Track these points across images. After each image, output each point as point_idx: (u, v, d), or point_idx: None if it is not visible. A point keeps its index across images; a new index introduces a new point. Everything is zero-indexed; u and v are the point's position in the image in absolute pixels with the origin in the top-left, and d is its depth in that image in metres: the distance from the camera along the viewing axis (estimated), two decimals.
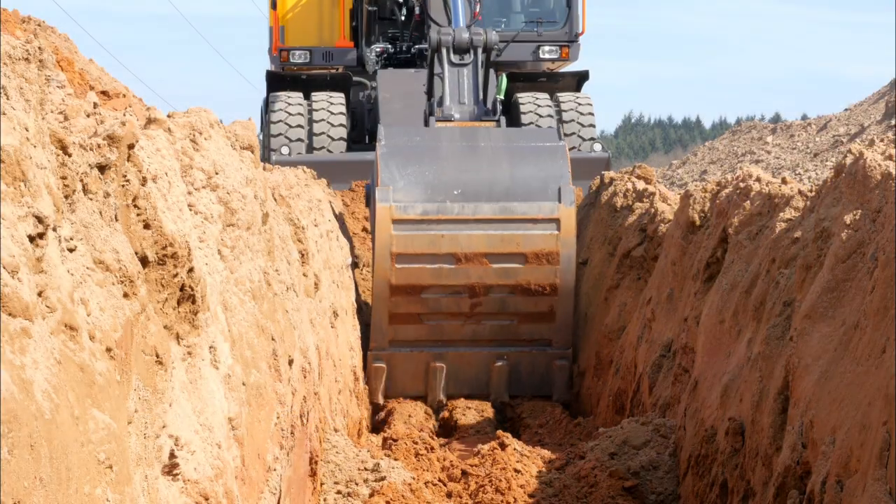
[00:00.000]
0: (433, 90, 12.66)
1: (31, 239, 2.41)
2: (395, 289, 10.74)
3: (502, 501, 6.76)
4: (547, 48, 18.44)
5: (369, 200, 12.34)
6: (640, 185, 11.43)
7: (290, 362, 5.15)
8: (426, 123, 12.04)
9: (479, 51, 12.16)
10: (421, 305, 10.90)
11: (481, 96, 12.06)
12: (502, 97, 12.34)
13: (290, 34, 18.32)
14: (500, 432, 8.05)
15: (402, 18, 18.01)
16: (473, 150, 11.16)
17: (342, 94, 17.56)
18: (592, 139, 17.86)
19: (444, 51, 12.08)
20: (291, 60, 18.07)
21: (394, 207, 10.68)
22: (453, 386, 11.23)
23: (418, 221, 10.76)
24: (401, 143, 11.12)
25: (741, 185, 7.11)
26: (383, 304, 10.82)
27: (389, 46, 18.03)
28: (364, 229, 15.18)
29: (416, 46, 17.74)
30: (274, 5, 18.42)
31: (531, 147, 11.23)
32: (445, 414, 11.00)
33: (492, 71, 12.72)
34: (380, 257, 10.68)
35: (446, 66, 12.19)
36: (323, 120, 17.01)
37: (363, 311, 12.08)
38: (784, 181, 6.63)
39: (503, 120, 11.87)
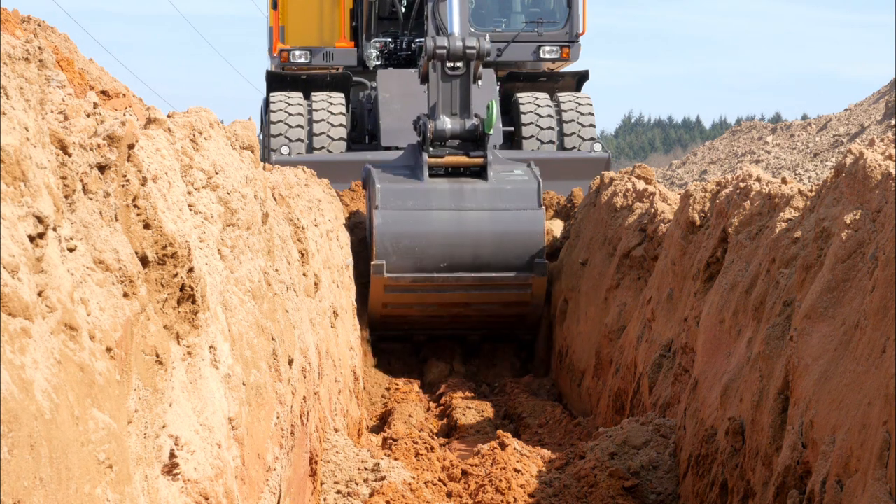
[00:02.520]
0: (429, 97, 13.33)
1: (31, 239, 2.41)
2: (383, 317, 13.25)
3: (502, 501, 6.76)
4: (547, 48, 18.45)
5: (366, 183, 13.61)
6: (640, 184, 11.44)
7: (290, 362, 5.15)
8: (421, 140, 13.12)
9: (473, 61, 12.76)
10: (407, 324, 13.49)
11: (472, 106, 13.08)
12: (491, 133, 13.12)
13: (291, 34, 18.32)
14: (500, 432, 8.05)
15: (403, 11, 18.03)
16: (460, 221, 12.84)
17: (342, 94, 17.56)
18: (592, 139, 17.86)
19: (437, 61, 12.69)
20: (291, 60, 18.07)
21: (387, 278, 12.64)
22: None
23: (407, 287, 12.83)
24: (395, 217, 12.74)
25: (741, 184, 7.11)
26: (374, 316, 13.25)
27: (390, 42, 18.05)
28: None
29: (417, 40, 17.79)
30: (275, 5, 18.41)
31: (513, 215, 12.90)
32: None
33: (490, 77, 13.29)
34: (372, 305, 13.02)
35: (440, 76, 12.99)
36: (323, 120, 17.01)
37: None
38: (784, 181, 6.63)
39: (489, 156, 13.09)
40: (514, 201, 12.98)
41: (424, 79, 13.32)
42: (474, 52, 12.77)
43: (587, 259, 11.99)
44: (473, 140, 13.10)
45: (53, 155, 2.72)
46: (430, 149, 13.00)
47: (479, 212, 12.86)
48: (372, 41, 18.06)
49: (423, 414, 10.91)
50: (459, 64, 12.88)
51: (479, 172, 13.05)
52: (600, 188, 12.63)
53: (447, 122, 13.00)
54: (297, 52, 18.04)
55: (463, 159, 13.06)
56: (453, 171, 13.12)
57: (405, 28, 18.14)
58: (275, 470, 4.45)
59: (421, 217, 12.75)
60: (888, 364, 3.62)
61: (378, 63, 18.05)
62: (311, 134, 16.84)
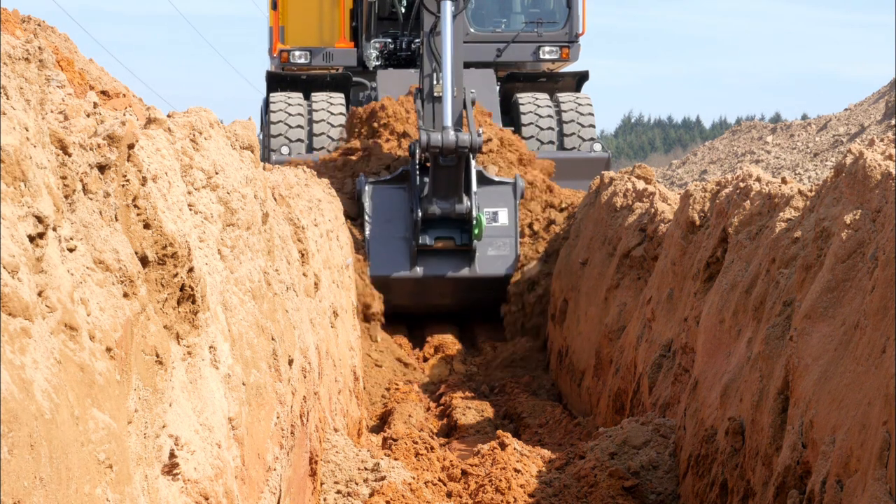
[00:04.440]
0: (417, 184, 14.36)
1: (31, 239, 2.41)
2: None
3: (502, 501, 6.76)
4: (547, 49, 18.46)
5: (359, 196, 14.84)
6: (640, 184, 11.44)
7: (290, 362, 5.15)
8: (414, 227, 14.25)
9: (465, 154, 13.63)
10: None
11: (464, 193, 14.16)
12: (479, 240, 14.35)
13: (290, 34, 18.31)
14: (500, 432, 8.05)
15: (402, 11, 18.06)
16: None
17: (342, 95, 17.56)
18: (592, 139, 17.86)
19: (431, 153, 13.71)
20: (291, 61, 18.07)
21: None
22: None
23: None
24: (384, 282, 14.30)
25: (741, 184, 7.11)
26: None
27: (390, 42, 18.07)
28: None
29: (416, 41, 17.82)
30: (274, 5, 18.40)
31: (490, 256, 14.53)
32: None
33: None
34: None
35: (433, 167, 13.97)
36: (323, 120, 17.02)
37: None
38: (784, 181, 6.63)
39: (477, 255, 14.40)
40: (492, 284, 14.59)
41: (423, 166, 14.28)
42: (466, 149, 13.56)
43: (587, 259, 11.99)
44: (462, 222, 14.11)
45: (53, 155, 2.72)
46: (420, 238, 14.17)
47: (460, 294, 14.83)
48: (372, 41, 18.06)
49: (423, 414, 10.91)
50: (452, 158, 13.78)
51: (467, 252, 14.36)
52: (600, 188, 12.63)
53: (437, 207, 14.04)
54: (297, 53, 18.04)
55: (451, 245, 14.29)
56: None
57: (405, 28, 18.14)
58: (275, 470, 4.45)
59: (410, 292, 14.62)
60: (888, 364, 3.62)
61: (378, 63, 18.08)
62: (311, 134, 16.84)
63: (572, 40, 18.56)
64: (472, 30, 18.18)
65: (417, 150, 14.04)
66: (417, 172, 14.18)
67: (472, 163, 13.99)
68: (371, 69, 17.98)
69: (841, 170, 4.98)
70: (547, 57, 18.50)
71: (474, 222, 13.98)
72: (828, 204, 5.02)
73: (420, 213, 13.95)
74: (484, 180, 14.48)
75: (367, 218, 14.44)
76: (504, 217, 14.57)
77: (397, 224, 14.46)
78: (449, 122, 13.78)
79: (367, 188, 14.60)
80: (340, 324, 9.30)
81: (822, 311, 4.59)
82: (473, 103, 14.43)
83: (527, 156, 15.74)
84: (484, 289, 14.62)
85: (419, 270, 14.31)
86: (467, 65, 18.46)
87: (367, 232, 14.42)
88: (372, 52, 18.03)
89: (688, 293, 7.74)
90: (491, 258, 14.42)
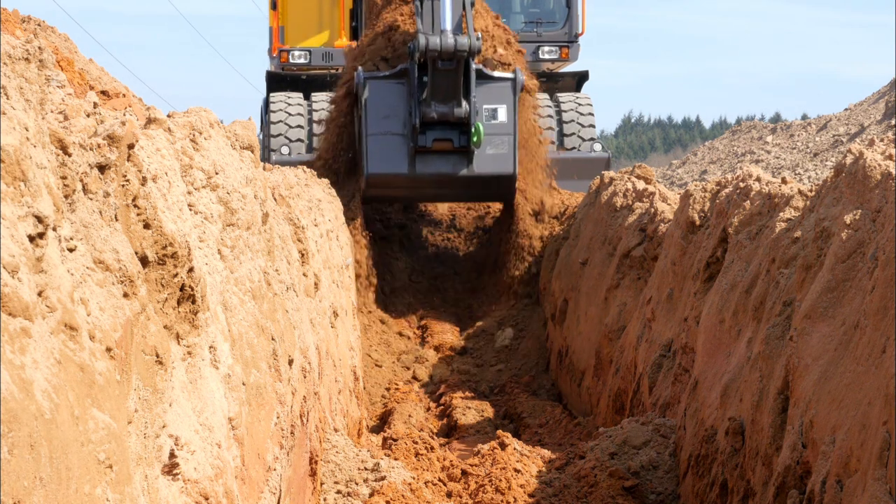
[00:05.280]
0: (416, 90, 14.03)
1: (31, 239, 2.41)
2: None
3: (502, 501, 6.76)
4: (547, 49, 18.49)
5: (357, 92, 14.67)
6: (640, 184, 11.44)
7: (290, 362, 5.15)
8: (412, 129, 13.94)
9: (464, 58, 13.33)
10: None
11: (462, 97, 13.90)
12: (477, 148, 14.13)
13: (290, 34, 18.33)
14: (500, 432, 8.05)
15: None
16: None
17: None
18: (592, 139, 17.87)
19: (429, 57, 13.25)
20: (291, 61, 18.09)
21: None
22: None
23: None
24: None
25: (741, 184, 7.11)
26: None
27: None
28: None
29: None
30: (274, 5, 18.42)
31: (489, 155, 14.30)
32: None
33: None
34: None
35: (431, 71, 13.69)
36: (323, 120, 17.02)
37: None
38: (784, 181, 6.63)
39: (475, 153, 14.18)
40: (493, 183, 14.46)
41: (422, 66, 13.90)
42: (464, 53, 13.28)
43: (587, 259, 11.99)
44: (461, 125, 13.70)
45: (53, 155, 2.72)
46: (418, 141, 13.90)
47: (459, 191, 14.77)
48: None
49: (423, 414, 10.91)
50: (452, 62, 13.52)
51: (465, 152, 14.04)
52: (600, 188, 12.63)
53: (435, 111, 13.78)
54: (297, 53, 18.06)
55: (448, 146, 13.99)
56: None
57: None
58: (275, 470, 4.45)
59: (406, 194, 14.59)
60: (888, 364, 3.62)
61: None
62: (311, 134, 16.85)
63: (572, 40, 18.59)
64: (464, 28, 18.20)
65: (416, 53, 13.76)
66: (416, 74, 13.88)
67: (472, 65, 13.76)
68: None
69: (841, 170, 4.98)
70: (546, 57, 18.52)
71: (472, 129, 13.70)
72: (828, 204, 5.02)
73: (419, 117, 13.75)
74: (482, 76, 14.17)
75: (364, 113, 14.12)
76: (503, 114, 14.29)
77: (395, 121, 14.06)
78: (448, 24, 13.61)
79: (364, 83, 14.24)
80: (340, 324, 9.30)
81: (822, 311, 4.59)
82: (473, 4, 14.09)
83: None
84: (482, 187, 14.48)
85: (417, 169, 14.12)
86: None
87: (365, 128, 14.13)
88: None
89: (688, 293, 7.74)
90: (489, 157, 14.06)
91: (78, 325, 2.55)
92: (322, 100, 17.25)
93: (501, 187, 14.49)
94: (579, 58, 18.76)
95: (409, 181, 14.28)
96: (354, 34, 18.30)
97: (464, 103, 13.74)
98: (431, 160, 14.13)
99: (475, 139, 13.75)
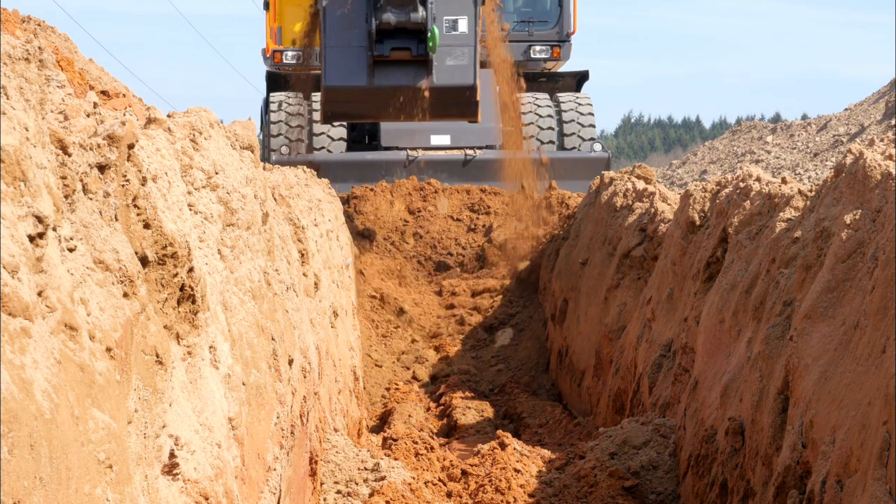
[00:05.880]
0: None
1: (31, 239, 2.41)
2: None
3: (502, 501, 6.76)
4: (538, 48, 18.55)
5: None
6: (640, 184, 11.44)
7: (290, 362, 5.15)
8: (369, 38, 13.45)
9: None
10: None
11: (419, 2, 13.53)
12: (434, 53, 13.57)
13: (287, 35, 18.38)
14: (500, 432, 8.05)
15: None
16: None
17: None
18: (592, 139, 17.89)
19: None
20: (284, 61, 18.12)
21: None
22: None
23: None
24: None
25: (741, 184, 7.11)
26: None
27: None
28: None
29: None
30: (266, 6, 18.45)
31: (449, 66, 13.76)
32: None
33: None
34: None
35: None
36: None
37: None
38: (784, 181, 6.63)
39: (434, 65, 13.69)
40: (453, 95, 13.86)
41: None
42: None
43: (587, 259, 11.99)
44: (419, 32, 13.35)
45: (53, 155, 2.72)
46: (375, 50, 13.44)
47: (420, 104, 13.91)
48: None
49: (422, 414, 10.91)
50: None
51: (424, 62, 13.57)
52: (600, 188, 12.63)
53: (392, 16, 13.34)
54: (290, 53, 18.09)
55: (406, 56, 13.57)
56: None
57: None
58: (275, 470, 4.45)
59: (365, 114, 14.10)
60: (888, 364, 3.62)
61: None
62: (311, 134, 16.87)
63: (563, 39, 18.64)
64: None
65: None
66: None
67: None
68: None
69: (841, 170, 4.98)
70: (538, 56, 18.58)
71: (429, 34, 13.27)
72: (828, 204, 5.02)
73: (375, 23, 13.36)
74: None
75: (323, 26, 13.72)
76: (463, 25, 13.95)
77: (355, 34, 13.62)
78: None
79: None
80: (340, 324, 9.30)
81: (822, 311, 4.58)
82: None
83: None
84: (443, 100, 14.00)
85: (376, 80, 13.67)
86: (486, 65, 18.49)
87: (324, 40, 13.75)
88: None
89: (688, 293, 7.74)
90: (449, 68, 13.61)
91: (78, 325, 2.55)
92: None
93: (462, 100, 13.96)
94: (571, 57, 18.81)
95: (368, 94, 13.67)
96: None
97: (420, 8, 13.32)
98: (390, 71, 13.57)
99: (431, 44, 13.37)
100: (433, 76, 13.59)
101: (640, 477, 6.84)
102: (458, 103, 14.01)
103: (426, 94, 13.67)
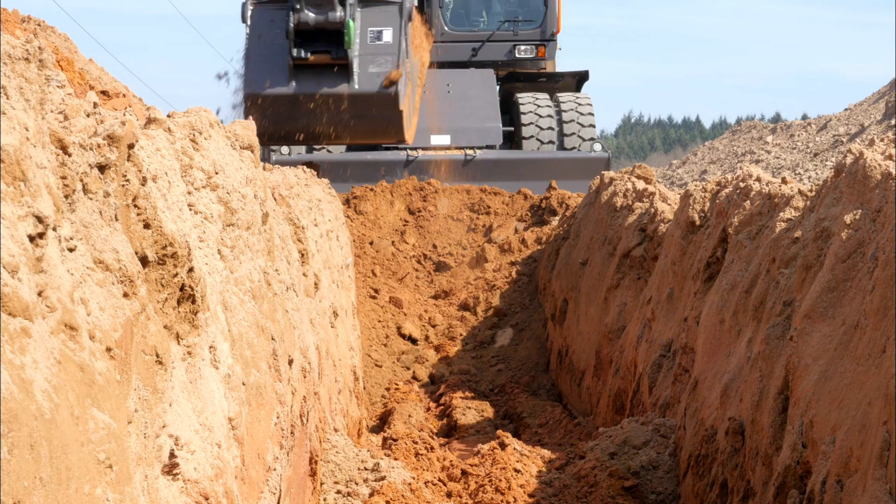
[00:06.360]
0: None
1: (31, 239, 2.41)
2: None
3: (502, 501, 6.76)
4: (523, 47, 18.62)
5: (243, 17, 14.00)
6: (640, 184, 11.44)
7: (290, 362, 5.15)
8: (288, 40, 13.08)
9: None
10: None
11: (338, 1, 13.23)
12: (350, 48, 13.27)
13: None
14: (500, 432, 8.06)
15: None
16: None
17: None
18: (592, 139, 17.91)
19: None
20: None
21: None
22: None
23: None
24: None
25: (741, 184, 7.11)
26: None
27: None
28: None
29: None
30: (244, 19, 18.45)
31: (372, 120, 13.58)
32: None
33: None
34: None
35: None
36: None
37: None
38: (784, 181, 6.63)
39: (357, 73, 13.30)
40: (375, 104, 13.38)
41: None
42: None
43: (587, 259, 11.99)
44: (339, 34, 13.08)
45: (53, 155, 2.72)
46: (294, 51, 13.13)
47: (341, 115, 13.42)
48: None
49: (422, 414, 10.91)
50: None
51: (345, 69, 13.23)
52: (600, 188, 12.63)
53: (310, 14, 13.05)
54: None
55: (327, 59, 13.25)
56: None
57: None
58: (275, 470, 4.45)
59: (288, 121, 13.40)
60: (888, 364, 3.62)
61: None
62: None
63: (548, 39, 18.69)
64: (446, 28, 18.34)
65: None
66: None
67: None
68: None
69: (841, 170, 4.98)
70: (523, 56, 18.64)
71: (345, 29, 12.99)
72: (828, 204, 5.02)
73: (293, 22, 13.04)
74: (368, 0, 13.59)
75: (247, 40, 13.47)
76: (388, 36, 13.71)
77: (278, 44, 13.33)
78: None
79: (250, 9, 13.70)
80: (340, 324, 9.30)
81: (823, 311, 4.58)
82: None
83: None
84: (366, 110, 13.56)
85: (297, 87, 13.34)
86: (457, 64, 18.56)
87: (247, 52, 13.47)
88: None
89: (688, 293, 7.74)
90: (371, 75, 13.26)
91: (78, 325, 2.55)
92: None
93: (385, 112, 13.49)
94: (555, 56, 18.87)
95: (290, 102, 13.31)
96: None
97: (339, 8, 13.03)
98: (311, 77, 13.27)
99: (347, 38, 13.14)
100: (354, 82, 13.27)
101: (640, 477, 6.84)
102: (381, 117, 13.54)
103: (346, 102, 13.32)
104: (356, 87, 13.19)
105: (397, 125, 13.62)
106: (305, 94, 13.24)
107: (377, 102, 13.32)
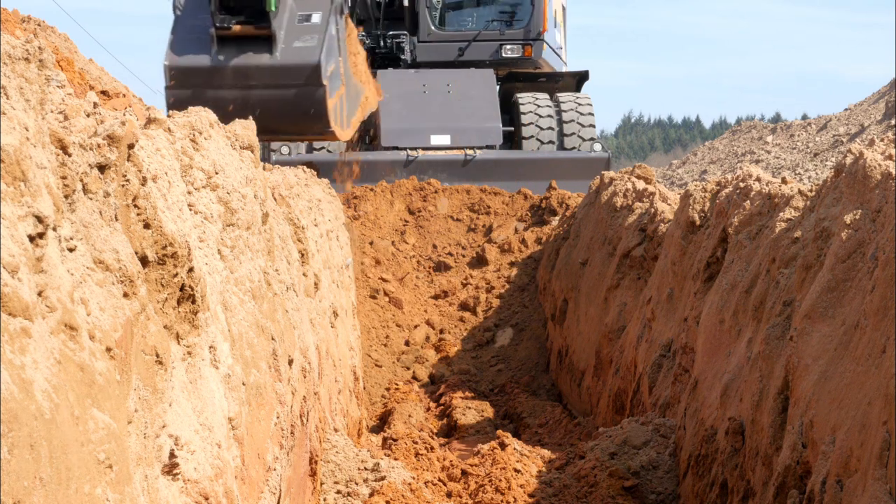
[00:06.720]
0: None
1: (31, 239, 2.41)
2: None
3: (502, 501, 6.76)
4: (509, 47, 18.68)
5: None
6: (640, 184, 11.44)
7: (290, 362, 5.15)
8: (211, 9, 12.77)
9: None
10: None
11: None
12: (273, 10, 12.83)
13: None
14: (500, 432, 8.06)
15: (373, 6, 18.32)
16: (246, 100, 12.91)
17: None
18: (592, 139, 17.92)
19: None
20: None
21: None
22: None
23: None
24: (184, 96, 12.62)
25: (741, 184, 7.11)
26: None
27: (366, 38, 18.26)
28: None
29: (391, 33, 18.07)
30: None
31: (295, 94, 13.06)
32: None
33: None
34: None
35: None
36: None
37: None
38: (784, 181, 6.63)
39: (281, 47, 12.85)
40: (296, 79, 12.98)
41: None
42: None
43: (587, 259, 11.99)
44: (262, 4, 12.73)
45: (53, 155, 2.72)
46: (218, 21, 12.70)
47: (262, 91, 12.99)
48: None
49: (422, 414, 10.91)
50: None
51: (268, 42, 12.87)
52: (600, 188, 12.63)
53: None
54: None
55: (250, 30, 12.85)
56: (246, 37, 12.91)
57: (376, 26, 18.44)
58: (275, 470, 4.45)
59: (208, 94, 12.62)
60: (888, 364, 3.62)
61: None
62: None
63: (535, 38, 18.75)
64: (433, 28, 18.39)
65: None
66: None
67: None
68: None
69: (841, 170, 4.98)
70: (509, 55, 18.70)
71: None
72: (828, 204, 5.02)
73: None
74: None
75: (178, 14, 13.01)
76: (316, 18, 13.48)
77: (202, 17, 12.86)
78: None
79: None
80: (340, 324, 9.30)
81: (822, 311, 4.58)
82: None
83: None
84: (285, 79, 13.10)
85: (219, 59, 12.86)
86: (444, 64, 18.58)
87: (172, 25, 12.97)
88: None
89: (688, 293, 7.74)
90: (295, 49, 12.81)
91: (78, 325, 2.55)
92: None
93: (308, 87, 12.96)
94: (541, 55, 18.92)
95: (209, 73, 12.79)
96: None
97: None
98: (233, 49, 12.80)
99: (268, 1, 12.97)
100: (277, 53, 12.82)
101: (640, 477, 6.84)
102: (303, 95, 13.01)
103: (267, 73, 12.79)
104: (279, 58, 12.80)
105: (320, 106, 13.09)
106: (225, 65, 12.81)
107: (298, 74, 12.90)
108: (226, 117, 11.89)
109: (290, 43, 12.79)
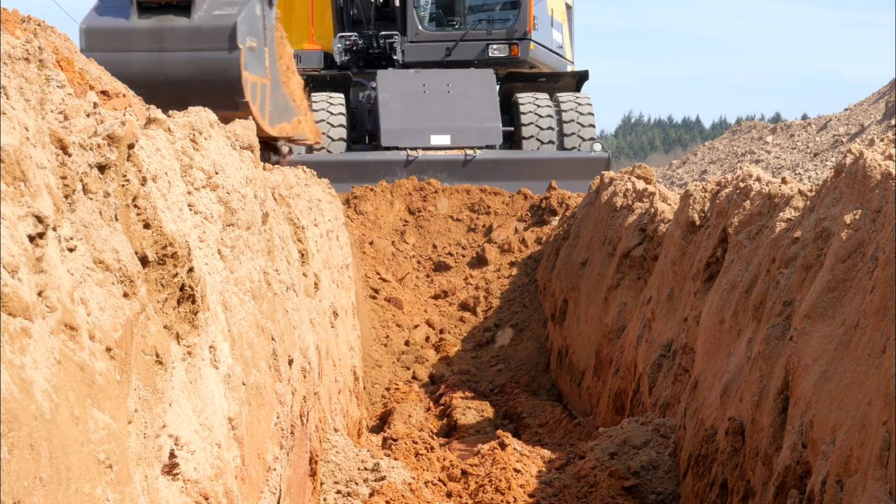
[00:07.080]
0: None
1: (31, 239, 2.41)
2: None
3: (502, 501, 6.76)
4: (495, 46, 18.75)
5: None
6: (640, 184, 11.44)
7: (290, 362, 5.15)
8: None
9: None
10: None
11: None
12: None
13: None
14: (500, 432, 8.06)
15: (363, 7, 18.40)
16: (160, 62, 12.72)
17: (342, 95, 17.66)
18: (592, 139, 17.94)
19: None
20: None
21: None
22: None
23: None
24: (100, 58, 11.87)
25: (741, 184, 7.11)
26: None
27: (356, 37, 18.30)
28: None
29: (383, 33, 18.10)
30: None
31: (209, 56, 12.68)
32: None
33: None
34: None
35: None
36: (323, 120, 17.10)
37: None
38: (784, 181, 6.63)
39: (201, 13, 12.63)
40: (211, 41, 12.74)
41: None
42: None
43: (587, 259, 11.99)
44: None
45: (53, 155, 2.72)
46: None
47: (177, 53, 12.75)
48: (338, 36, 18.39)
49: (423, 414, 10.91)
50: None
51: (188, 9, 12.70)
52: (600, 188, 12.64)
53: None
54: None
55: None
56: (166, 5, 12.76)
57: (368, 26, 18.49)
58: (275, 470, 4.45)
59: (122, 58, 12.37)
60: (888, 364, 3.62)
61: (346, 58, 18.43)
62: None
63: (521, 38, 18.80)
64: (421, 28, 18.45)
65: None
66: None
67: None
68: (339, 64, 18.26)
69: (841, 170, 4.98)
70: (496, 55, 18.76)
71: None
72: (828, 204, 5.02)
73: None
74: None
75: None
76: None
77: None
78: None
79: None
80: (340, 324, 9.30)
81: (822, 311, 4.59)
82: None
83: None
84: (204, 44, 12.83)
85: (136, 21, 12.63)
86: (432, 64, 18.60)
87: None
88: (338, 47, 18.29)
89: (688, 293, 7.74)
90: (213, 15, 12.59)
91: (78, 325, 2.55)
92: (322, 100, 17.31)
93: (223, 47, 12.66)
94: (528, 55, 18.97)
95: (126, 37, 12.60)
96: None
97: None
98: (153, 14, 12.59)
99: None
100: (194, 16, 12.59)
101: (640, 477, 6.84)
102: (218, 62, 12.70)
103: (182, 36, 12.56)
104: (196, 20, 12.59)
105: (233, 72, 12.70)
106: (142, 28, 12.62)
107: (213, 37, 12.64)
108: (137, 86, 11.41)
109: (211, 11, 12.60)
